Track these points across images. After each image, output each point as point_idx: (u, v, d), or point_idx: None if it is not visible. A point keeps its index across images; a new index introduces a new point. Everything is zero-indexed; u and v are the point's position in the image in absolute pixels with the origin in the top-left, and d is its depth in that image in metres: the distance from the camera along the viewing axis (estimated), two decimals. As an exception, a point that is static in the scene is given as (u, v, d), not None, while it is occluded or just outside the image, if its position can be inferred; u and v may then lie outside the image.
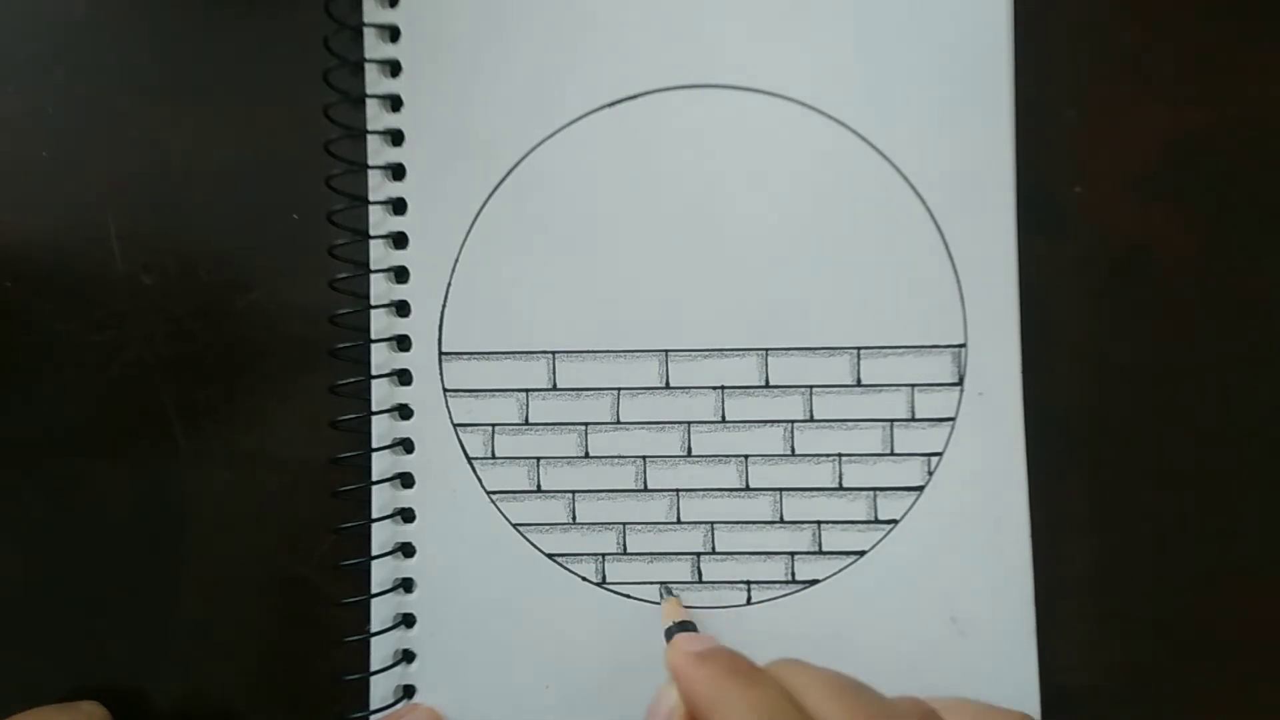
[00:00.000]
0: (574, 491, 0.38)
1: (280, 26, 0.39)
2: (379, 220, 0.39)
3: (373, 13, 0.39)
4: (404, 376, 0.39)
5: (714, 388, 0.38)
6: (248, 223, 0.39)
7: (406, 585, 0.38)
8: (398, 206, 0.39)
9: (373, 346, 0.38)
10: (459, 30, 0.39)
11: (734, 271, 0.38)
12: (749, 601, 0.38)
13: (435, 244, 0.38)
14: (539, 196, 0.38)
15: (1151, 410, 0.38)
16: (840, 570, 0.38)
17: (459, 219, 0.38)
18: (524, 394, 0.38)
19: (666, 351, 0.38)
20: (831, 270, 0.38)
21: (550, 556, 0.38)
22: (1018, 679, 0.37)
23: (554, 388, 0.38)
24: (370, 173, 0.38)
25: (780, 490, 0.38)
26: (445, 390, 0.38)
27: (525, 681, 0.38)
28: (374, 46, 0.39)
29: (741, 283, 0.38)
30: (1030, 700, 0.37)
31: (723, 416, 0.38)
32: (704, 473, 0.38)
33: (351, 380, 0.38)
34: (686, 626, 0.35)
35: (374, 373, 0.38)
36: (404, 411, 0.38)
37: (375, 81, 0.39)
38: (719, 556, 0.38)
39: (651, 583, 0.38)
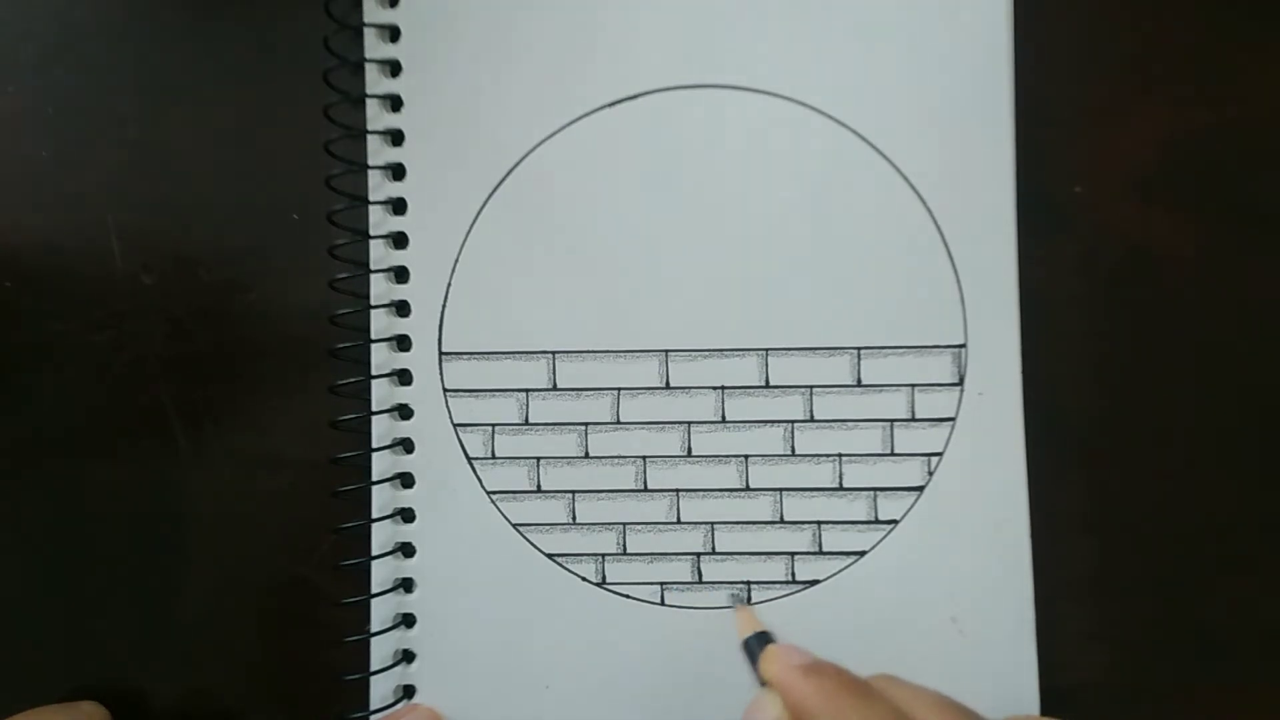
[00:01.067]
0: (574, 491, 0.38)
1: (280, 26, 0.39)
2: (379, 220, 0.39)
3: (373, 13, 0.39)
4: (404, 376, 0.39)
5: (714, 388, 0.38)
6: (248, 223, 0.39)
7: (406, 585, 0.38)
8: (398, 206, 0.39)
9: (373, 346, 0.38)
10: (459, 30, 0.39)
11: (734, 271, 0.38)
12: (749, 602, 0.38)
13: (435, 244, 0.38)
14: (539, 196, 0.38)
15: (1151, 410, 0.38)
16: (840, 570, 0.38)
17: (459, 219, 0.38)
18: (524, 394, 0.38)
19: (666, 351, 0.38)
20: (831, 270, 0.38)
21: (550, 556, 0.38)
22: (1018, 679, 0.37)
23: (554, 388, 0.38)
24: (370, 173, 0.38)
25: (780, 490, 0.38)
26: (445, 390, 0.38)
27: (525, 681, 0.38)
28: (374, 46, 0.39)
29: (741, 283, 0.38)
30: (1030, 700, 0.37)
31: (723, 416, 0.38)
32: (704, 473, 0.38)
33: (351, 380, 0.38)
34: (766, 638, 0.35)
35: (374, 373, 0.38)
36: (404, 411, 0.38)
37: (375, 81, 0.39)
38: (719, 557, 0.38)
39: (652, 583, 0.38)
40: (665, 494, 0.38)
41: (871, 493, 0.38)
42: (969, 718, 0.30)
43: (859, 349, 0.38)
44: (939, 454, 0.38)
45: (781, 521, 0.38)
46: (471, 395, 0.38)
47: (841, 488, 0.38)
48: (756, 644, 0.35)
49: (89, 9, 0.39)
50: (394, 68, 0.39)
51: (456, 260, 0.38)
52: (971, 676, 0.37)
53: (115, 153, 0.39)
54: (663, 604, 0.38)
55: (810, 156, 0.38)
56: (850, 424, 0.38)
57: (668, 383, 0.38)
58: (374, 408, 0.38)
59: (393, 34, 0.39)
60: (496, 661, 0.38)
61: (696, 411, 0.38)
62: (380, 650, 0.38)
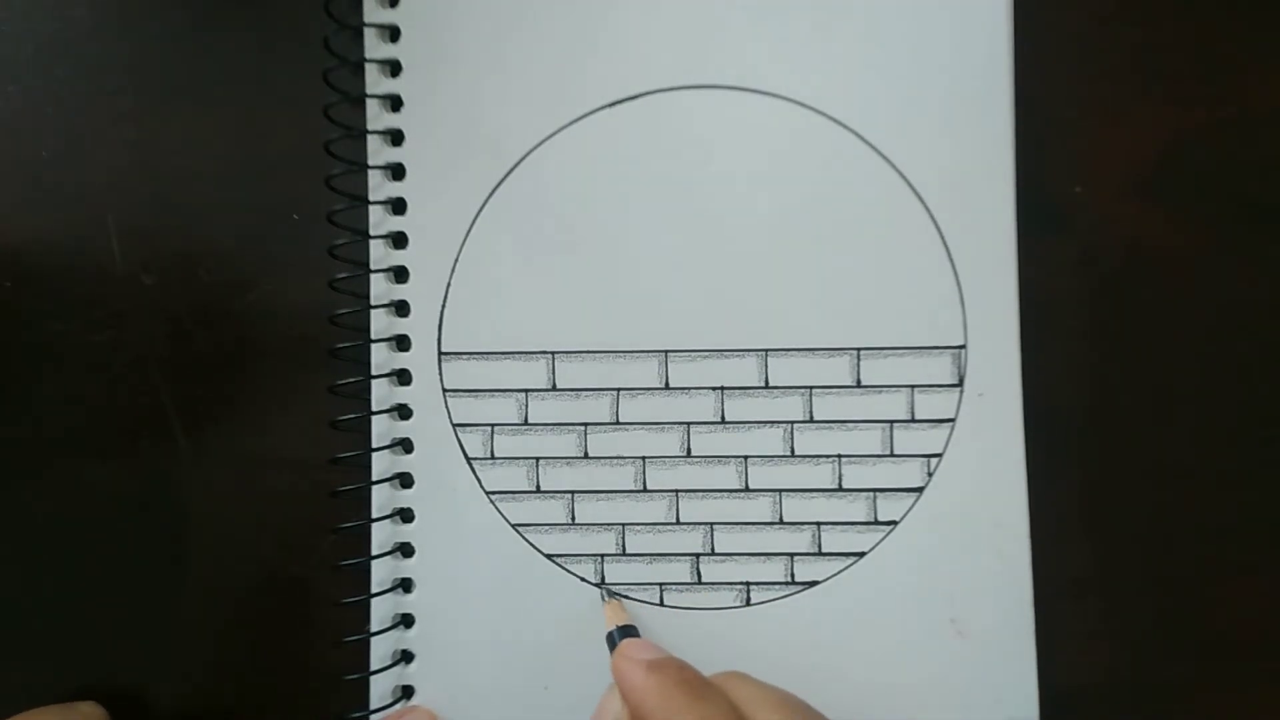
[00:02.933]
0: (573, 492, 0.38)
1: (280, 26, 0.39)
2: (379, 220, 0.39)
3: (373, 13, 0.39)
4: (404, 376, 0.39)
5: (713, 388, 0.38)
6: (248, 223, 0.39)
7: (405, 585, 0.38)
8: (398, 206, 0.39)
9: (372, 346, 0.38)
10: (459, 30, 0.39)
11: (734, 271, 0.38)
12: (748, 603, 0.38)
13: (435, 244, 0.38)
14: (539, 196, 0.38)
15: (1150, 410, 0.38)
16: (840, 571, 0.38)
17: (459, 219, 0.38)
18: (523, 394, 0.38)
19: (666, 352, 0.38)
20: (831, 270, 0.38)
21: (549, 557, 0.38)
22: (1017, 679, 0.37)
23: (553, 388, 0.38)
24: (370, 173, 0.38)
25: (780, 491, 0.38)
26: (445, 390, 0.38)
27: (524, 682, 0.38)
28: (374, 46, 0.39)
29: (741, 283, 0.38)
30: (1030, 701, 0.37)
31: (722, 417, 0.38)
32: (703, 473, 0.38)
33: (351, 380, 0.38)
34: (629, 631, 0.35)
35: (374, 373, 0.38)
36: (403, 411, 0.38)
37: (375, 81, 0.39)
38: (718, 557, 0.38)
39: (651, 584, 0.38)
40: (664, 494, 0.38)
41: (871, 494, 0.38)
42: (810, 717, 0.30)
43: (859, 349, 0.38)
44: (939, 455, 0.38)
45: (781, 522, 0.38)
46: (471, 395, 0.38)
47: (841, 489, 0.38)
48: (618, 636, 0.35)
49: (89, 8, 0.39)
50: (394, 68, 0.39)
51: (456, 260, 0.38)
52: (971, 677, 0.37)
53: (115, 153, 0.39)
54: (662, 604, 0.38)
55: (810, 156, 0.38)
56: (850, 425, 0.38)
57: (667, 383, 0.38)
58: (374, 408, 0.38)
59: (393, 34, 0.39)
60: (495, 661, 0.38)
61: (696, 412, 0.38)
62: (379, 650, 0.38)
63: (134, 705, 0.39)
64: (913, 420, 0.38)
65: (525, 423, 0.38)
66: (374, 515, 0.38)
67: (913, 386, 0.38)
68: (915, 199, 0.38)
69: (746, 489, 0.38)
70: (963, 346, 0.38)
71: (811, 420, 0.38)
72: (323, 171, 0.38)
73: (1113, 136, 0.38)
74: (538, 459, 0.38)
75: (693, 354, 0.38)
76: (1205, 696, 0.38)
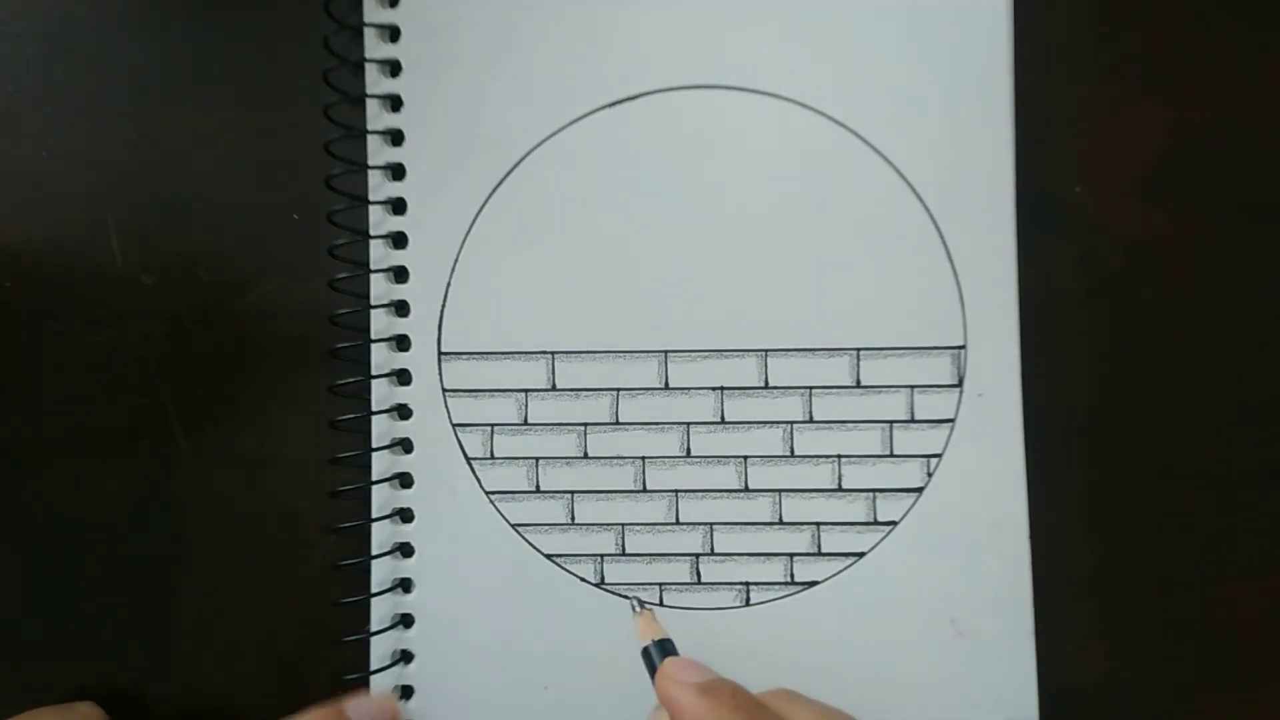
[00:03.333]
0: (573, 492, 0.38)
1: (280, 26, 0.39)
2: (379, 220, 0.39)
3: (373, 13, 0.39)
4: (403, 376, 0.39)
5: (713, 388, 0.38)
6: (248, 223, 0.39)
7: (405, 585, 0.38)
8: (398, 206, 0.39)
9: (372, 346, 0.38)
10: (459, 30, 0.39)
11: (734, 272, 0.38)
12: (748, 603, 0.38)
13: (435, 244, 0.38)
14: (539, 196, 0.38)
15: (1150, 411, 0.38)
16: (839, 572, 0.38)
17: (459, 219, 0.38)
18: (523, 394, 0.38)
19: (666, 352, 0.38)
20: (831, 270, 0.38)
21: (549, 557, 0.38)
22: (1017, 679, 0.37)
23: (553, 388, 0.38)
24: (370, 173, 0.38)
25: (779, 491, 0.38)
26: (444, 390, 0.38)
27: (523, 682, 0.38)
28: (374, 46, 0.39)
29: (741, 283, 0.38)
30: (1029, 701, 0.37)
31: (722, 417, 0.38)
32: (703, 474, 0.38)
33: (351, 380, 0.38)
34: (667, 647, 0.33)
35: (374, 373, 0.38)
36: (403, 411, 0.38)
37: (375, 81, 0.39)
38: (718, 558, 0.38)
39: (651, 584, 0.38)
40: (664, 495, 0.38)
41: (870, 494, 0.38)
42: None
43: (858, 350, 0.38)
44: (938, 455, 0.38)
45: (780, 522, 0.38)
46: (470, 395, 0.38)
47: (841, 489, 0.38)
48: (657, 653, 0.32)
49: (89, 9, 0.39)
50: (394, 68, 0.39)
51: (456, 260, 0.38)
52: (971, 678, 0.37)
53: (115, 153, 0.39)
54: (661, 605, 0.38)
55: (810, 156, 0.38)
56: (849, 425, 0.38)
57: (667, 383, 0.38)
58: (373, 408, 0.38)
59: (393, 34, 0.39)
60: (495, 662, 0.38)
61: (695, 412, 0.38)
62: (379, 650, 0.38)
63: (134, 705, 0.39)
64: (912, 420, 0.38)
65: (525, 423, 0.38)
66: (374, 515, 0.38)
67: (912, 387, 0.38)
68: (915, 199, 0.38)
69: (746, 489, 0.38)
70: (962, 346, 0.38)
71: (811, 420, 0.38)
72: (323, 171, 0.38)
73: (1113, 136, 0.38)
74: (537, 459, 0.38)
75: (693, 354, 0.38)
76: (1205, 696, 0.38)
